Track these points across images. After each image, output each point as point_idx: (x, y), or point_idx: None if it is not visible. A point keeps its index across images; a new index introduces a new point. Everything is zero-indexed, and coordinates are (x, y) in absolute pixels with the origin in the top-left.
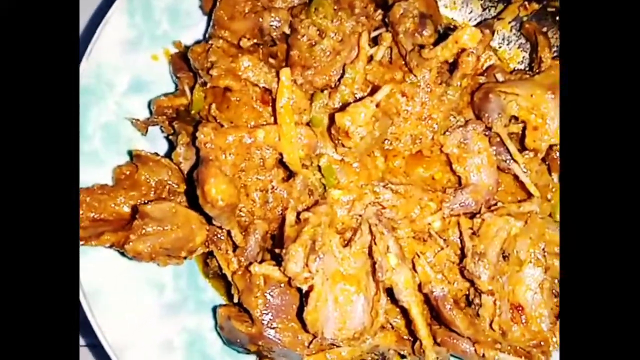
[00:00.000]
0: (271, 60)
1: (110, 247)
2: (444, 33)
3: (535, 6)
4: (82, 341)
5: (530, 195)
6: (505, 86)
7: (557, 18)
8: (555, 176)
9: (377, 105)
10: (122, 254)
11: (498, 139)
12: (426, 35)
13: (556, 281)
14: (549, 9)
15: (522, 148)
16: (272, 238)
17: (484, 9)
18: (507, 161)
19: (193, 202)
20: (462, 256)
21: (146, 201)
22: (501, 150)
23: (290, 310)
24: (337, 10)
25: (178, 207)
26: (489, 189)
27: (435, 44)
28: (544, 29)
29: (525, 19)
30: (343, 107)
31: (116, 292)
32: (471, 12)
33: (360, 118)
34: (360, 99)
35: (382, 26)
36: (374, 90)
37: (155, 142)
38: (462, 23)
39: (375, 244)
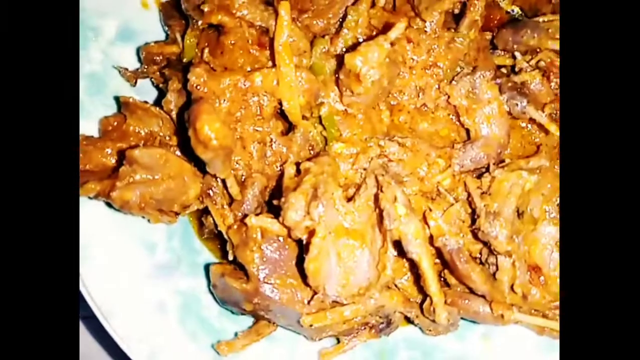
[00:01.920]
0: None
1: (96, 197)
2: None
3: None
4: None
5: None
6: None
7: None
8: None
9: (392, 45)
10: (111, 206)
11: (509, 85)
12: None
13: None
14: None
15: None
16: (270, 195)
17: None
18: (521, 107)
19: (186, 153)
20: (474, 218)
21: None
22: (514, 95)
23: (289, 265)
24: None
25: (170, 155)
26: (501, 142)
27: None
28: None
29: None
30: (353, 47)
31: (105, 250)
32: None
33: (374, 58)
34: (369, 39)
35: None
36: (387, 28)
37: (145, 96)
38: None
39: (382, 192)
